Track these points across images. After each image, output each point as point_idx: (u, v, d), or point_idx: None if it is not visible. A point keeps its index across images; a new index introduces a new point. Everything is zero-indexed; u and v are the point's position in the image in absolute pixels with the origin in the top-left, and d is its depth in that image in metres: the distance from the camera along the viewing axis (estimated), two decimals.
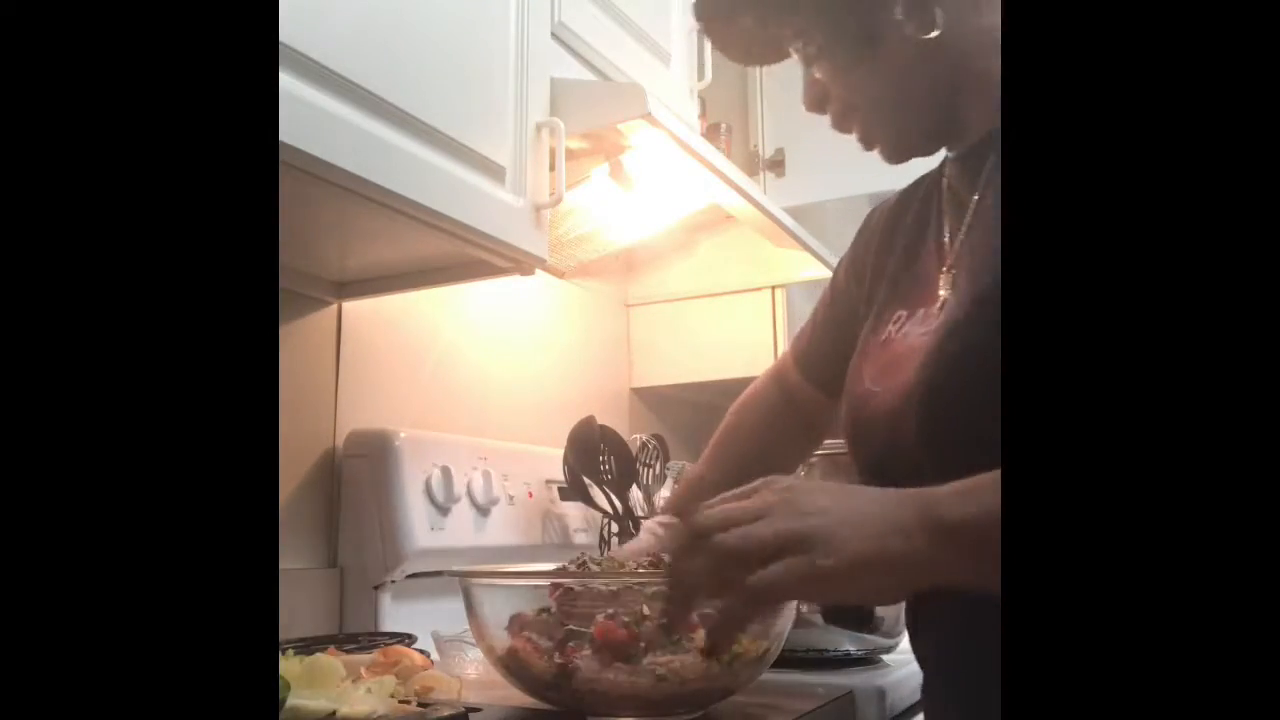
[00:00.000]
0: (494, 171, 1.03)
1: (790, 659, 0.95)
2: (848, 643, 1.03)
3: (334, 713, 0.65)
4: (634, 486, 1.43)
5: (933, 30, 0.68)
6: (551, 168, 1.10)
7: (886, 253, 0.82)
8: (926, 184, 0.83)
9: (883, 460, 0.71)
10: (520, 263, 1.10)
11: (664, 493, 1.47)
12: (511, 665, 0.72)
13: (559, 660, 0.69)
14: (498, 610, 0.74)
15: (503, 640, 0.73)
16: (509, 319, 1.56)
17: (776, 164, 2.01)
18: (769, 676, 0.78)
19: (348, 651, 0.85)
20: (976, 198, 0.72)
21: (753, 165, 2.01)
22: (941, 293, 0.71)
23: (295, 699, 0.64)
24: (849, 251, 0.91)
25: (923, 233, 0.79)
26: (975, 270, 0.68)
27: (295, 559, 1.15)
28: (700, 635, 0.70)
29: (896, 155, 0.76)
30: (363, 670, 0.78)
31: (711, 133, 1.72)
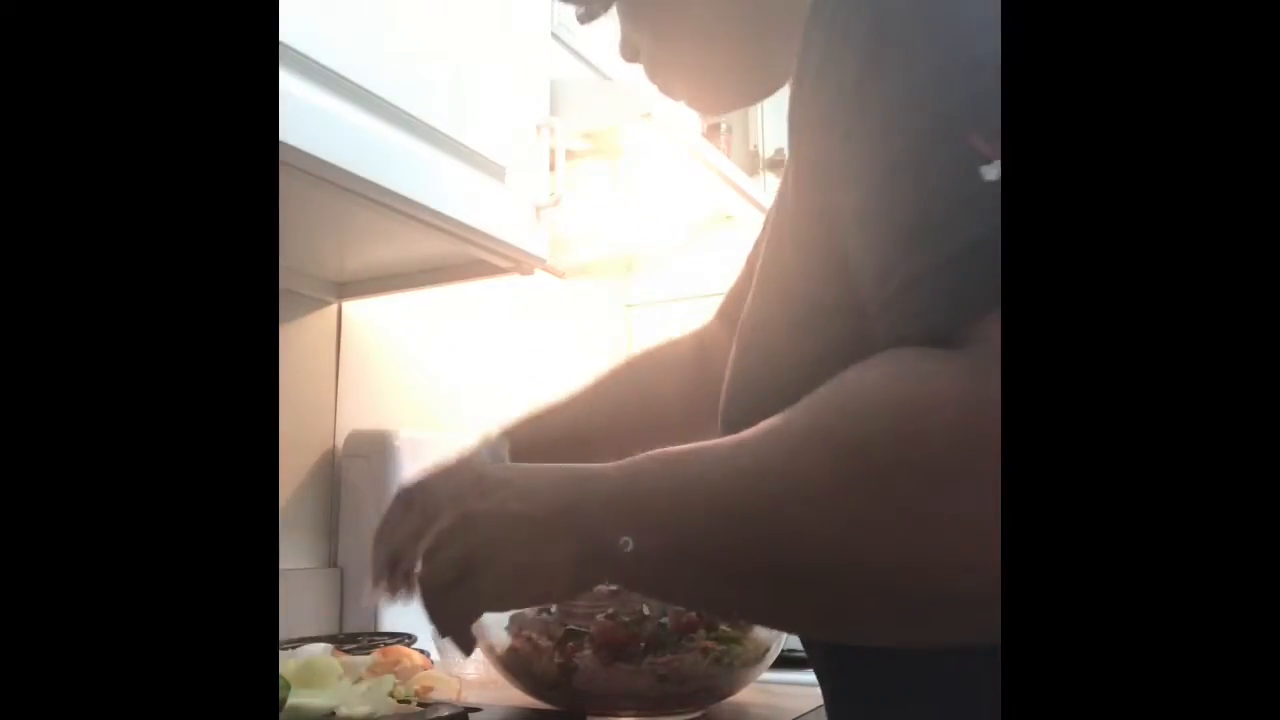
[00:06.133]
0: (494, 171, 1.03)
1: (790, 659, 0.95)
2: None
3: (334, 713, 0.65)
4: None
5: None
6: (551, 168, 1.10)
7: None
8: None
9: None
10: (520, 263, 1.10)
11: None
12: (512, 665, 0.72)
13: (559, 660, 0.69)
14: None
15: (503, 640, 0.73)
16: (509, 319, 1.56)
17: (776, 164, 2.01)
18: (769, 676, 0.78)
19: (348, 652, 0.85)
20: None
21: (753, 165, 2.01)
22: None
23: (295, 699, 0.64)
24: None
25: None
26: (766, 255, 0.56)
27: (295, 559, 1.15)
28: (701, 634, 0.70)
29: (703, 107, 0.69)
30: (363, 670, 0.78)
31: (711, 133, 1.72)
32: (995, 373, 0.34)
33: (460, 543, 0.49)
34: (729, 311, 0.85)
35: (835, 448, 0.38)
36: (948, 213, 0.38)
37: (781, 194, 0.54)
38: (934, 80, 0.40)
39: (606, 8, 0.67)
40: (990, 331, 0.36)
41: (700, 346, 0.87)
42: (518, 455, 0.81)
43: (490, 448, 0.82)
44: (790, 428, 0.41)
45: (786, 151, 0.53)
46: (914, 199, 0.40)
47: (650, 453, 0.46)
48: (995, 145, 0.37)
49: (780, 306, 0.53)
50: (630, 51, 0.69)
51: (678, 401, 0.84)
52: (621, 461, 0.47)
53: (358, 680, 0.72)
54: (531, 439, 0.83)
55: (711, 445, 0.45)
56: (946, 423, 0.35)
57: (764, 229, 0.71)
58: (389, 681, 0.72)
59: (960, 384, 0.36)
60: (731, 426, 0.50)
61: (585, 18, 0.70)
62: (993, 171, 0.37)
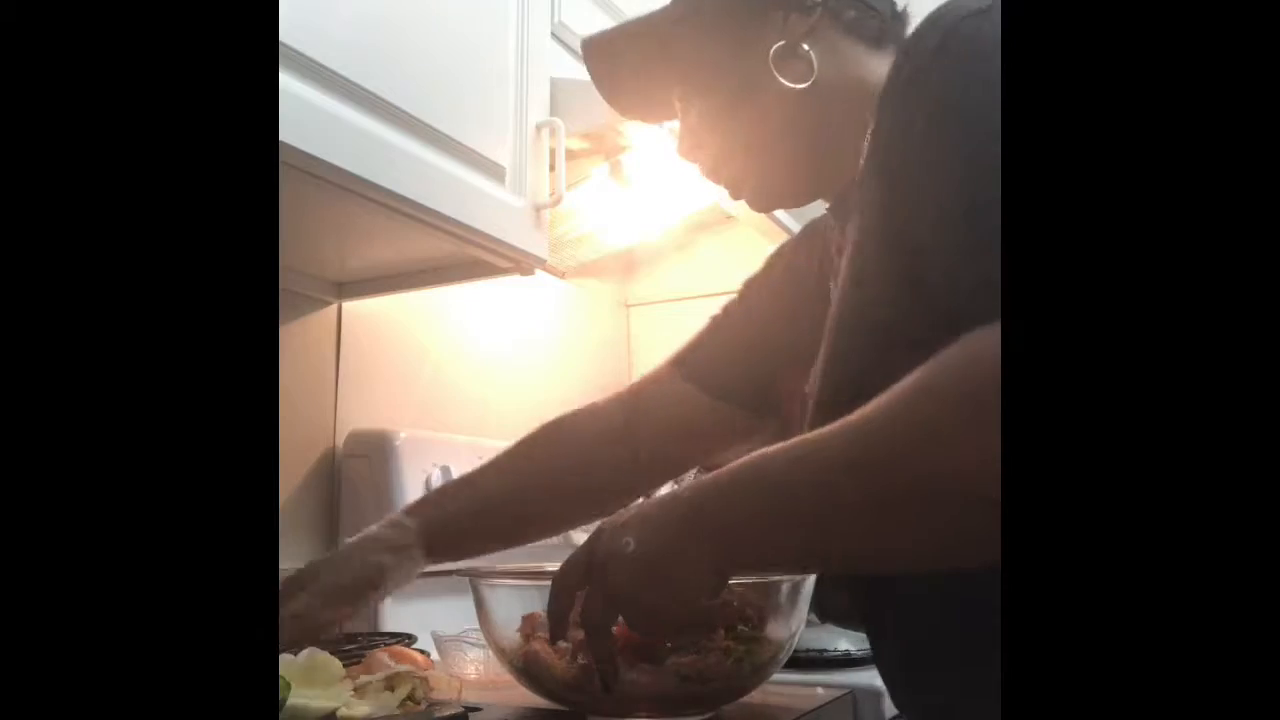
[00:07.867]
0: (494, 171, 1.03)
1: (790, 659, 0.94)
2: (847, 643, 1.03)
3: (334, 713, 0.65)
4: None
5: (808, 79, 0.69)
6: (551, 168, 1.10)
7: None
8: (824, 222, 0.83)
9: None
10: (520, 263, 1.10)
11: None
12: (528, 667, 0.71)
13: (582, 661, 0.67)
14: (510, 610, 0.73)
15: (515, 641, 0.72)
16: (509, 319, 1.56)
17: None
18: (771, 676, 0.78)
19: (348, 652, 0.85)
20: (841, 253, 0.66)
21: None
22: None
23: (295, 699, 0.64)
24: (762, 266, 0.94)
25: (824, 271, 0.79)
26: (844, 298, 0.63)
27: (295, 559, 1.14)
28: (720, 636, 0.69)
29: (765, 204, 0.77)
30: (362, 671, 0.77)
31: None
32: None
33: (585, 551, 0.57)
34: (687, 360, 0.91)
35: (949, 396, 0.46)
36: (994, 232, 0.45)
37: (856, 248, 0.61)
38: (979, 150, 0.49)
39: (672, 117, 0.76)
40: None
41: (628, 408, 0.91)
42: (429, 535, 0.84)
43: (391, 527, 0.85)
44: (912, 387, 0.48)
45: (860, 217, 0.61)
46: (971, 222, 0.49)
47: (749, 455, 0.53)
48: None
49: (863, 338, 0.60)
50: (690, 148, 0.77)
51: (606, 465, 0.90)
52: (711, 475, 0.55)
53: (358, 680, 0.72)
54: (441, 517, 0.87)
55: (814, 434, 0.51)
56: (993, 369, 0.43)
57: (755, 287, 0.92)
58: (389, 681, 0.72)
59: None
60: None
61: (684, 149, 0.78)
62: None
